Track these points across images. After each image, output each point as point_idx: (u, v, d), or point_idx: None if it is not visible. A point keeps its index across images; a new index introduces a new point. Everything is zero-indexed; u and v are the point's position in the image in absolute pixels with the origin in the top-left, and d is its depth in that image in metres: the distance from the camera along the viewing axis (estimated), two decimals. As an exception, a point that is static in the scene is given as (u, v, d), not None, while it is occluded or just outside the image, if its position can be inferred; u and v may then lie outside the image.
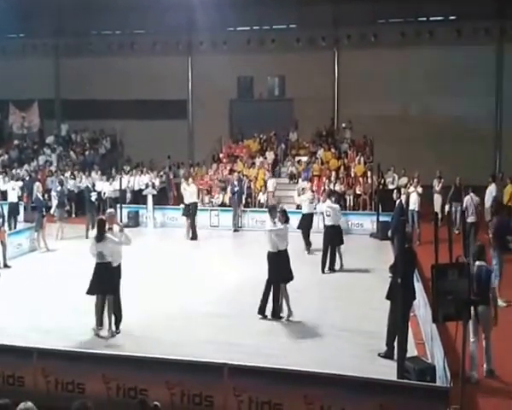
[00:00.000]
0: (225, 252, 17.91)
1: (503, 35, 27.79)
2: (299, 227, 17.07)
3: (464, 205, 17.05)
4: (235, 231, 20.25)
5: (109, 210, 11.78)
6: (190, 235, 18.91)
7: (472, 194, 17.13)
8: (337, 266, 14.91)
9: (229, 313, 11.56)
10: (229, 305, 12.05)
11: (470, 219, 16.33)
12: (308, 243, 16.97)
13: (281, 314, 11.23)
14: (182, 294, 12.90)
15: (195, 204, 19.32)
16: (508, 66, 27.89)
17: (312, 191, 18.86)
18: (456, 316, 6.95)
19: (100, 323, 10.41)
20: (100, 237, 10.33)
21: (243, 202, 21.32)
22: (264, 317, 11.23)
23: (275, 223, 11.26)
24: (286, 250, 11.24)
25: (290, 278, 11.21)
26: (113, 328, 10.45)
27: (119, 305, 10.54)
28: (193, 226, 18.89)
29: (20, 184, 22.10)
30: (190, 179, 20.16)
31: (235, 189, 20.66)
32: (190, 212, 18.96)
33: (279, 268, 11.08)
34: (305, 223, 17.13)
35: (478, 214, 16.82)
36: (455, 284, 6.88)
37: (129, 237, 10.71)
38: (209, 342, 9.94)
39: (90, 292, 10.42)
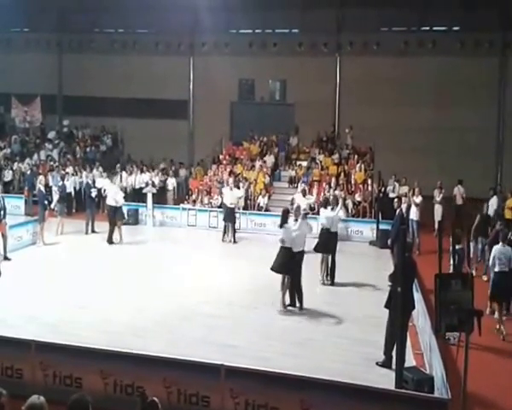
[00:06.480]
0: (223, 253, 17.88)
1: (506, 47, 27.84)
2: (225, 220, 19.03)
3: (453, 193, 21.36)
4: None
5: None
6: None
7: (459, 185, 21.80)
8: None
9: (225, 314, 11.55)
10: (226, 306, 12.03)
11: (458, 203, 21.61)
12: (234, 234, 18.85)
13: None
14: (179, 293, 12.86)
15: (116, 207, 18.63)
16: (510, 78, 27.97)
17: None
18: (458, 327, 6.83)
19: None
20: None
21: None
22: None
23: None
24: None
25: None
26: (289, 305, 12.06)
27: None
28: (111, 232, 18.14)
29: None
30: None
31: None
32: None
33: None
34: (232, 216, 18.99)
35: (463, 200, 21.52)
36: (458, 294, 6.79)
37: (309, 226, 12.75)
38: (205, 342, 9.94)
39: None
